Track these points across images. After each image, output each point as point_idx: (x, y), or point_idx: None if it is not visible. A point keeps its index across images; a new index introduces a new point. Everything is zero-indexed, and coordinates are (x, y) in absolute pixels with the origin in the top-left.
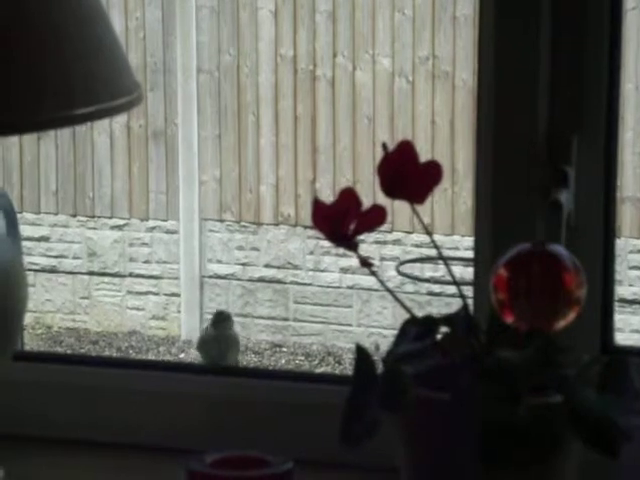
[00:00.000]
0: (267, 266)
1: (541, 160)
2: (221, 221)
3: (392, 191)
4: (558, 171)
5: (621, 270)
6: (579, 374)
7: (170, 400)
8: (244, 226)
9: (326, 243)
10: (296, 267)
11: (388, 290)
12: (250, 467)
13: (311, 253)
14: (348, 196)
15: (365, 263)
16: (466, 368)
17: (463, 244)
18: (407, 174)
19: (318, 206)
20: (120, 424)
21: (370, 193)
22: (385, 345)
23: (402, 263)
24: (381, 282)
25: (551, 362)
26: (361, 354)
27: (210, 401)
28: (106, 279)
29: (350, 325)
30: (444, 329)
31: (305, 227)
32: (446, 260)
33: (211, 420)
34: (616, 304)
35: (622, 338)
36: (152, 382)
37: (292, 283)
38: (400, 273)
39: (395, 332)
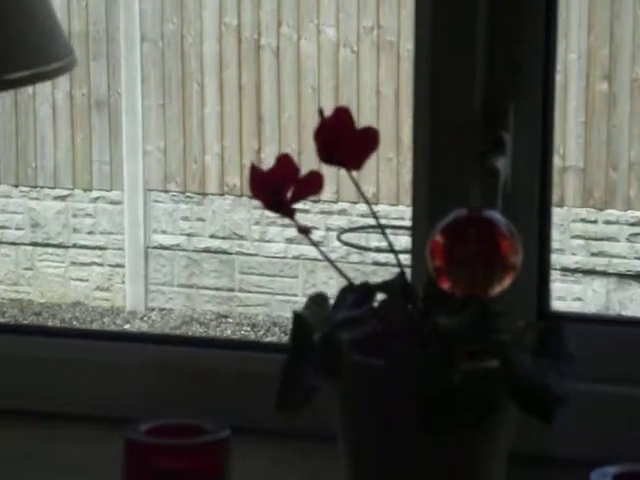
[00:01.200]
0: (212, 237)
1: (478, 126)
2: (166, 191)
3: (328, 157)
4: (495, 137)
5: (563, 239)
6: (515, 339)
7: (111, 369)
8: (189, 196)
9: (272, 213)
10: (242, 237)
11: (326, 258)
12: (187, 435)
13: (257, 223)
14: (285, 163)
15: (303, 230)
16: (403, 334)
17: (409, 214)
18: (343, 140)
19: (255, 173)
20: (61, 393)
21: (315, 163)
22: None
23: (343, 232)
24: (318, 249)
25: (487, 328)
26: (298, 321)
27: (151, 370)
28: (49, 250)
29: (296, 295)
30: (381, 296)
31: (251, 197)
32: (384, 228)
33: (152, 389)
34: (559, 273)
35: (564, 306)
36: (93, 351)
37: (238, 254)
38: (341, 242)
39: None
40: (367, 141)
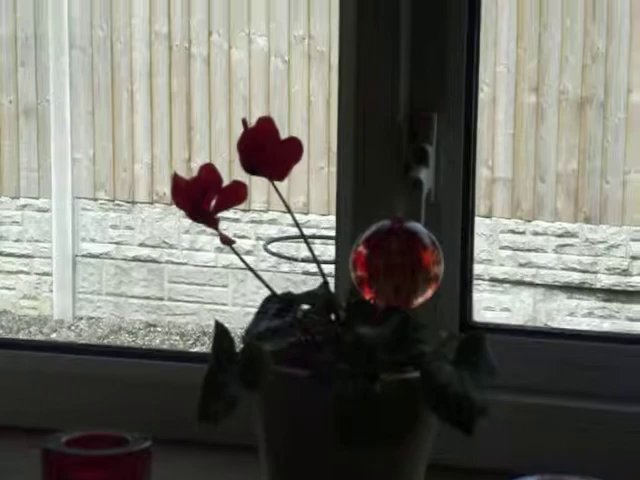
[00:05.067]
0: (142, 245)
1: (402, 138)
2: (95, 199)
3: (252, 168)
4: (418, 149)
5: (492, 250)
6: (436, 350)
7: (33, 379)
8: (118, 204)
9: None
10: (171, 246)
11: (248, 267)
12: (107, 446)
13: (186, 232)
14: (208, 172)
15: (226, 240)
16: (325, 345)
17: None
18: (267, 150)
19: (177, 182)
20: None
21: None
22: None
23: (269, 242)
24: (242, 259)
25: (408, 339)
26: (219, 331)
27: (73, 380)
28: None
29: (225, 305)
30: (304, 306)
31: None
32: (307, 238)
33: (74, 399)
34: (487, 283)
35: (492, 316)
36: (15, 361)
37: (167, 262)
38: (268, 251)
39: None
40: (291, 151)
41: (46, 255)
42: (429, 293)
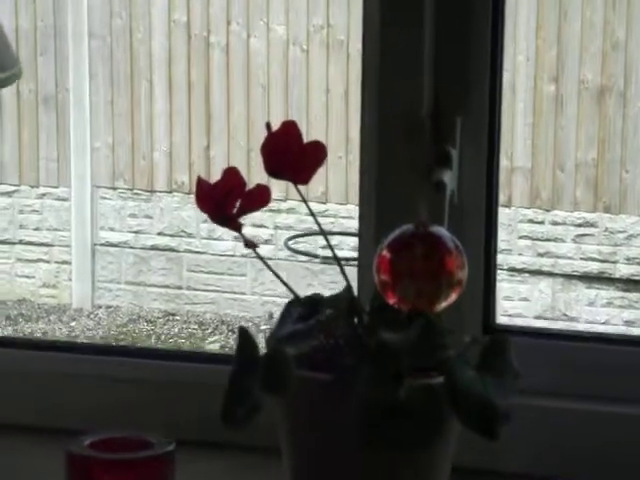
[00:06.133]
0: (160, 234)
1: (425, 141)
2: (114, 188)
3: (276, 172)
4: (442, 152)
5: (511, 239)
6: (460, 355)
7: (55, 380)
8: (137, 193)
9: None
10: (190, 235)
11: (271, 270)
12: (131, 449)
13: (205, 221)
14: (232, 176)
15: (249, 244)
16: (349, 349)
17: (357, 213)
18: (290, 154)
19: (201, 186)
20: (3, 404)
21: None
22: (278, 314)
23: (290, 239)
24: (265, 263)
25: (432, 343)
26: (243, 335)
27: (95, 381)
28: None
29: (244, 294)
30: (328, 310)
31: None
32: (328, 235)
33: (96, 400)
34: (505, 273)
35: (511, 306)
36: (36, 362)
37: (186, 251)
38: (289, 248)
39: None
40: (314, 155)
41: (65, 244)
42: (453, 297)
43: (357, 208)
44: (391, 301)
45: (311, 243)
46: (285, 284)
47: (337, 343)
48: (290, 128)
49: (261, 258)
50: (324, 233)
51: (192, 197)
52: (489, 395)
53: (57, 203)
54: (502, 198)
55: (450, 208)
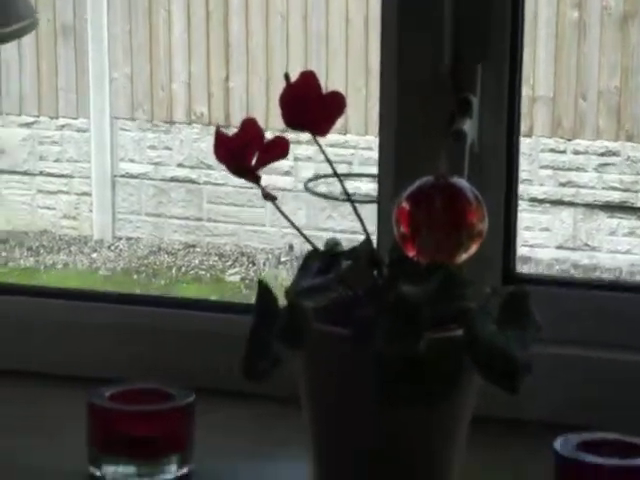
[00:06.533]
0: (180, 165)
1: (445, 89)
2: (133, 119)
3: (294, 123)
4: (462, 100)
5: (532, 169)
6: (480, 307)
7: (75, 328)
8: (156, 125)
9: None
10: (209, 167)
11: (289, 221)
12: (152, 400)
13: None
14: (250, 127)
15: (268, 196)
16: (368, 303)
17: (377, 144)
18: (309, 105)
19: (220, 138)
20: (25, 352)
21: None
22: (299, 246)
23: (310, 181)
24: (284, 215)
25: (452, 295)
26: (262, 289)
27: (114, 330)
28: (16, 177)
29: (264, 225)
30: (347, 262)
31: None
32: (341, 177)
33: (115, 349)
34: (527, 203)
35: (532, 236)
36: (57, 311)
37: (205, 183)
38: (309, 190)
39: (308, 233)
40: (333, 106)
41: (85, 175)
42: (473, 249)
43: (377, 140)
44: (410, 254)
45: (330, 183)
46: (303, 235)
47: (356, 296)
48: (309, 79)
49: (280, 210)
50: (341, 175)
51: (212, 128)
52: (510, 349)
53: (77, 134)
54: (523, 127)
55: (470, 157)
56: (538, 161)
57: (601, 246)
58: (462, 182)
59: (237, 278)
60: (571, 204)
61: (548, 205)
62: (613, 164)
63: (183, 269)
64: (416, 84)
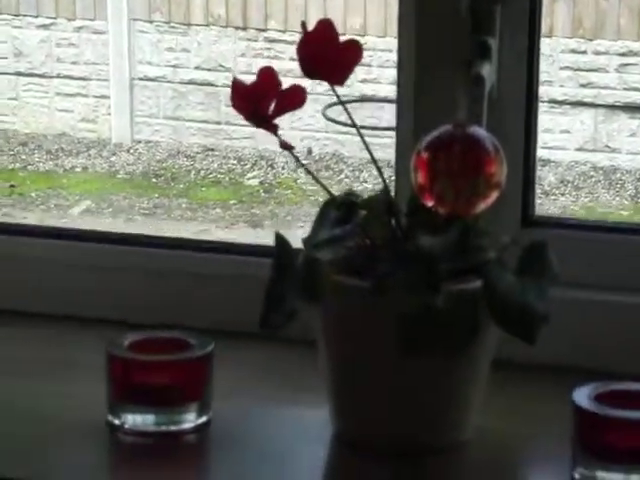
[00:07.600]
0: (198, 68)
1: (464, 32)
2: (150, 22)
3: (311, 72)
4: (480, 43)
5: (552, 71)
6: (498, 258)
7: (90, 271)
8: (174, 27)
9: (258, 45)
10: (227, 69)
11: (308, 171)
12: (171, 349)
13: (242, 55)
14: (267, 76)
15: (285, 146)
16: (385, 254)
17: (396, 46)
18: (326, 55)
19: (237, 86)
20: (42, 294)
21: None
22: (317, 149)
23: (328, 106)
24: (301, 164)
25: (470, 246)
26: (280, 242)
27: (129, 272)
28: (34, 80)
29: (282, 128)
30: (364, 212)
31: (236, 28)
32: (361, 101)
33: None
34: (546, 105)
35: (551, 139)
36: (72, 253)
37: (224, 86)
38: (326, 117)
39: (326, 135)
40: (350, 55)
41: (103, 78)
42: (491, 199)
43: (396, 41)
44: (429, 204)
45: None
46: (321, 183)
47: (374, 247)
48: (326, 27)
49: (297, 159)
50: (361, 100)
51: (229, 30)
52: (528, 300)
53: (94, 36)
54: (543, 27)
55: (489, 103)
56: (558, 62)
57: (621, 147)
58: (481, 131)
59: (256, 182)
60: (592, 105)
61: (568, 107)
62: (635, 64)
63: (202, 173)
64: (435, 26)
